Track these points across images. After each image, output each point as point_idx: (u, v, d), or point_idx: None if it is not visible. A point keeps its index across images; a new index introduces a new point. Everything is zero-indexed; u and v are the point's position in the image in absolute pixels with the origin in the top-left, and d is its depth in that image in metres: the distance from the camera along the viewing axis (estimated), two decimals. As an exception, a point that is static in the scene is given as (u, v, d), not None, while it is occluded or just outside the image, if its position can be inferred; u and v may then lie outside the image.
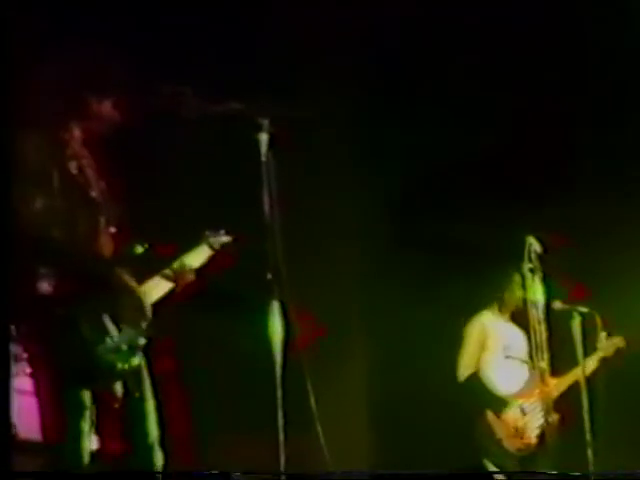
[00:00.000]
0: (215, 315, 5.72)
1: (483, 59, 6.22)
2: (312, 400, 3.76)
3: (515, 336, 6.10)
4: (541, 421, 5.85)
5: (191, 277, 4.29)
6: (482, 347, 6.04)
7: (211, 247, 4.42)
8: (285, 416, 3.64)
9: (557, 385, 5.87)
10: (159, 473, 3.95)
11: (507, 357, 6.07)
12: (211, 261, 4.40)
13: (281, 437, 3.65)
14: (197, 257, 4.38)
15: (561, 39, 6.14)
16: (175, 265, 4.28)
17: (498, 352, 6.07)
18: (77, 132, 4.01)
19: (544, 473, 5.58)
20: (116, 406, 3.87)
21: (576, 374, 5.88)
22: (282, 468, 3.65)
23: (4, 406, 4.07)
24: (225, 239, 4.48)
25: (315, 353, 3.94)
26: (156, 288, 4.19)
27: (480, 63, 6.24)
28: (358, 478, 4.35)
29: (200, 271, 4.34)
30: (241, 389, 5.90)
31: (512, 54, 6.20)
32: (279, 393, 3.65)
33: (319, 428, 3.78)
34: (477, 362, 6.02)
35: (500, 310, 6.14)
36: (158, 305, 4.11)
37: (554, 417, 5.71)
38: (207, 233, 4.44)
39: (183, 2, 5.72)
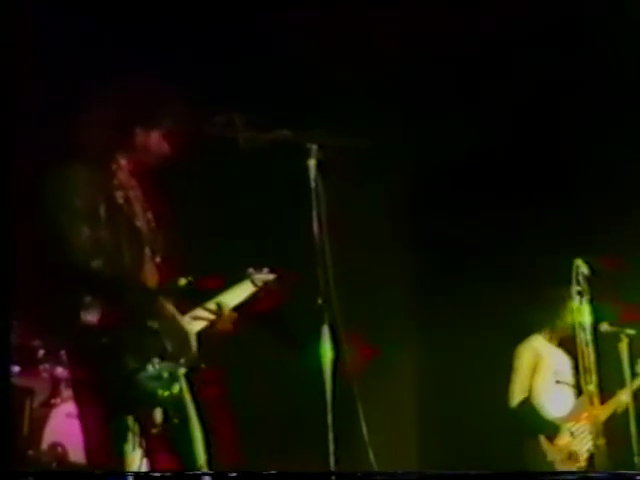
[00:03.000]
0: (265, 340, 5.74)
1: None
2: (363, 424, 3.78)
3: (564, 361, 6.06)
4: (590, 444, 5.80)
5: (232, 315, 4.29)
6: (534, 371, 6.01)
7: (254, 284, 4.45)
8: (336, 440, 3.65)
9: (605, 408, 5.82)
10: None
11: (557, 382, 6.03)
12: (256, 298, 4.43)
13: (332, 461, 3.66)
14: (239, 294, 4.40)
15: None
16: (214, 303, 4.28)
17: (549, 376, 6.03)
18: (125, 163, 4.07)
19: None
20: (157, 432, 3.90)
21: (623, 397, 5.84)
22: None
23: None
24: (268, 277, 4.50)
25: (365, 377, 3.96)
26: (200, 318, 4.21)
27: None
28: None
29: (242, 307, 4.34)
30: (291, 414, 5.90)
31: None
32: (329, 417, 3.66)
33: (370, 452, 3.79)
34: (529, 386, 5.99)
35: (550, 334, 6.10)
36: (204, 332, 4.13)
37: (602, 441, 5.66)
38: (250, 270, 4.48)
39: (233, 33, 5.77)
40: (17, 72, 4.48)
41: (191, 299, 4.17)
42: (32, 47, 4.91)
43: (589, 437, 5.80)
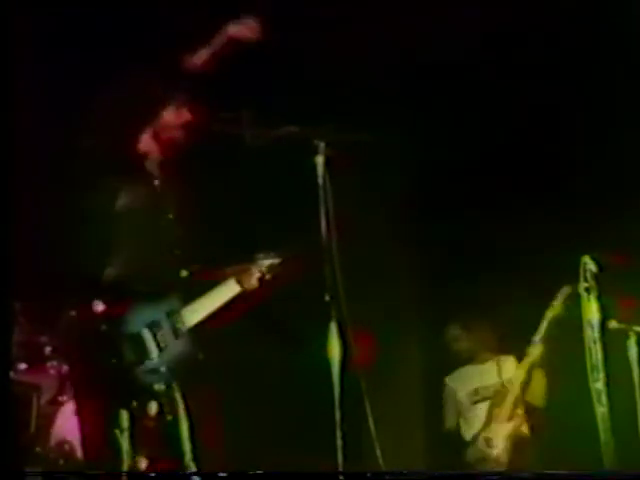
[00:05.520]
0: (273, 336, 5.75)
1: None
2: (370, 421, 3.78)
3: (476, 375, 6.16)
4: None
5: (255, 283, 4.27)
6: (459, 409, 6.12)
7: (260, 269, 4.43)
8: (344, 437, 3.66)
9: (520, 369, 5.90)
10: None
11: (475, 402, 6.09)
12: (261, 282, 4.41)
13: (340, 457, 3.66)
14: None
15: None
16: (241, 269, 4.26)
17: (468, 402, 6.12)
18: (139, 159, 4.09)
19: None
20: (152, 425, 3.91)
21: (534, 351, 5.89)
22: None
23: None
24: (274, 261, 4.47)
25: (373, 374, 3.96)
26: (205, 306, 4.19)
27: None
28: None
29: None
30: (299, 410, 5.91)
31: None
32: (337, 414, 3.66)
33: (377, 449, 3.79)
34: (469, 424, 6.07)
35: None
36: (206, 327, 4.13)
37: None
38: (258, 255, 4.47)
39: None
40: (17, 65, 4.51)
41: (196, 290, 4.17)
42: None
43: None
